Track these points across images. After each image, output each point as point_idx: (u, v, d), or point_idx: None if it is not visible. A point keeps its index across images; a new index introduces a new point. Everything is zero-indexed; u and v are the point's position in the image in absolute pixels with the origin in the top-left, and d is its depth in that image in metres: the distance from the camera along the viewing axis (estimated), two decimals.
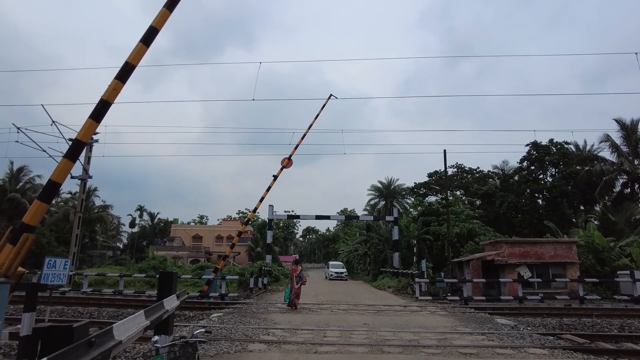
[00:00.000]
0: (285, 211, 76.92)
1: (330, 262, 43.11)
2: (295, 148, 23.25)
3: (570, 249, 21.08)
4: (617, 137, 36.52)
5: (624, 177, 36.19)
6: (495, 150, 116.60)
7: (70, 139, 17.84)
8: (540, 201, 42.76)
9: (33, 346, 2.24)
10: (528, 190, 41.92)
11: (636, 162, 35.47)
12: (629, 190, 36.17)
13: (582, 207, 41.14)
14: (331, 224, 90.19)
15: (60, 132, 22.24)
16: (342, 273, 36.93)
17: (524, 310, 14.51)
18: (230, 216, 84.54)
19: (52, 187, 7.45)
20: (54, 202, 50.18)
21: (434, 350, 7.57)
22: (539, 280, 19.64)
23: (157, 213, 76.71)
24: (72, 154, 7.61)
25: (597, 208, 38.62)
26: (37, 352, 2.19)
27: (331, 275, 36.70)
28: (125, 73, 7.96)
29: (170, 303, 4.53)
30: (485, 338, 8.92)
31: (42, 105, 19.72)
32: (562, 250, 21.01)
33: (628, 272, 19.02)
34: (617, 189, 36.86)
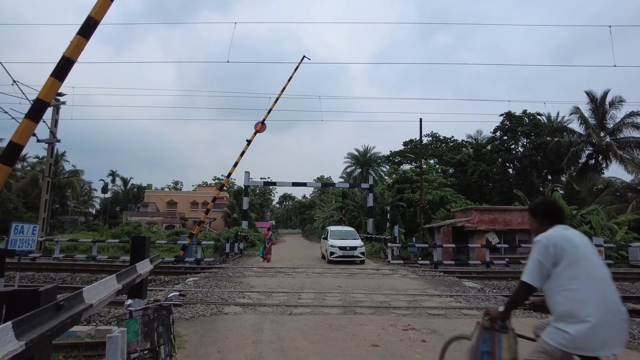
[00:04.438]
0: (261, 178, 76.57)
1: (331, 228, 22.32)
2: (268, 112, 23.12)
3: None
4: (586, 110, 37.62)
5: (590, 148, 37.59)
6: (470, 120, 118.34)
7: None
8: (510, 170, 44.06)
9: None
10: (500, 160, 43.02)
11: (602, 134, 36.78)
12: (593, 161, 37.67)
13: (549, 177, 42.72)
14: (307, 191, 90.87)
15: (23, 93, 20.96)
16: (355, 249, 18.98)
17: (490, 274, 15.23)
18: (206, 182, 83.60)
19: (14, 149, 7.12)
20: (20, 167, 48.20)
21: (404, 311, 7.89)
22: (506, 246, 20.58)
23: (130, 178, 75.15)
24: (34, 114, 7.24)
25: (564, 178, 40.19)
26: (1, 317, 2.14)
27: (332, 253, 18.85)
28: (88, 29, 7.50)
29: (144, 267, 4.50)
30: (453, 300, 9.35)
31: (0, 63, 18.44)
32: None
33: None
34: (583, 160, 38.34)
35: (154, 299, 3.89)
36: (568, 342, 2.40)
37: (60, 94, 22.62)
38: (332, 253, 18.98)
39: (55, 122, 22.88)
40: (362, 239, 21.49)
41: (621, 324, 2.42)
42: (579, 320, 2.38)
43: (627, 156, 33.67)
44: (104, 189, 70.80)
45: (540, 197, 3.60)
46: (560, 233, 2.64)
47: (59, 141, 23.25)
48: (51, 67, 8.38)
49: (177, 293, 4.06)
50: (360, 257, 19.02)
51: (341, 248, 18.95)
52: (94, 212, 68.47)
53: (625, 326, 2.45)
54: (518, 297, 2.72)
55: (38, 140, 21.60)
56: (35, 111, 7.20)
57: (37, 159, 51.21)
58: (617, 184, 35.07)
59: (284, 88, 23.55)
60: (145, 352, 3.32)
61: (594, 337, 2.35)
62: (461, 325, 6.75)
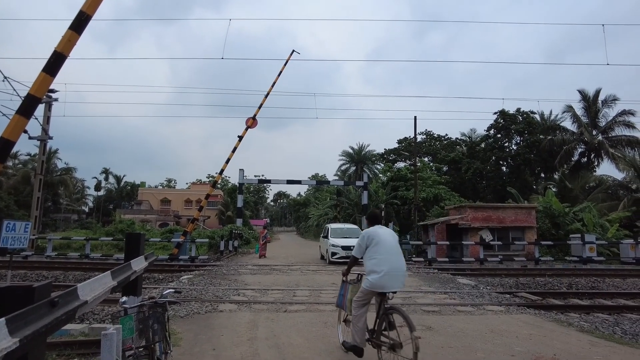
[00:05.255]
0: (255, 176, 76.39)
1: (331, 226, 19.95)
2: (259, 107, 23.17)
3: (530, 214, 22.19)
4: (578, 108, 37.95)
5: (583, 146, 37.92)
6: (464, 118, 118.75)
7: None
8: (504, 168, 44.36)
9: None
10: (493, 158, 43.29)
11: (594, 133, 37.11)
12: (585, 159, 38.02)
13: (542, 175, 43.06)
14: (302, 189, 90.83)
15: (14, 89, 20.80)
16: None
17: (484, 271, 15.32)
18: (200, 180, 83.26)
19: (5, 145, 7.03)
20: (11, 164, 47.62)
21: None
22: (500, 243, 20.70)
23: (124, 176, 74.50)
24: (25, 110, 7.14)
25: (556, 176, 40.52)
26: None
27: (334, 254, 17.07)
28: (80, 23, 7.41)
29: (138, 264, 4.47)
30: (448, 297, 9.40)
31: None
32: (522, 215, 22.09)
33: (579, 235, 20.34)
34: (576, 157, 38.67)
35: (149, 296, 3.86)
36: (370, 284, 4.34)
37: (52, 91, 22.36)
38: (333, 253, 17.02)
39: (47, 119, 22.62)
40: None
41: (399, 276, 4.35)
42: (376, 273, 4.28)
43: (619, 154, 34.01)
44: (97, 187, 70.21)
45: (371, 209, 6.47)
46: (374, 229, 4.67)
47: (51, 138, 22.99)
48: (43, 63, 8.29)
49: (173, 290, 4.03)
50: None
51: (344, 248, 16.72)
52: (87, 210, 67.89)
53: (401, 278, 4.37)
54: (350, 264, 4.94)
55: (30, 137, 21.37)
56: (27, 107, 7.09)
57: (28, 156, 50.65)
58: (608, 182, 35.41)
59: (274, 83, 23.67)
60: (141, 349, 3.29)
61: (382, 281, 4.26)
62: (455, 322, 6.78)
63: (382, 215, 31.10)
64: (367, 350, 4.49)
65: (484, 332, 6.16)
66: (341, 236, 18.26)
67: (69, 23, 8.37)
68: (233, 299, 8.66)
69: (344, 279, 5.07)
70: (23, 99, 7.67)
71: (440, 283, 11.62)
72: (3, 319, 1.73)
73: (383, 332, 4.26)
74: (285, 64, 23.99)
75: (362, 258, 4.60)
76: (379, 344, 4.29)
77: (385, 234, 4.58)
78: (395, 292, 4.36)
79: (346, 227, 20.22)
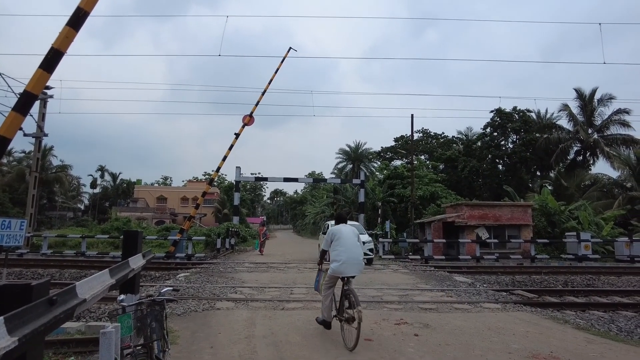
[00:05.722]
0: (252, 173, 76.18)
1: (331, 223, 10.35)
2: (256, 105, 23.01)
3: (526, 212, 22.29)
4: (574, 107, 38.06)
5: (578, 145, 38.09)
6: (461, 116, 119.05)
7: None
8: (500, 166, 44.44)
9: None
10: (490, 156, 43.35)
11: (590, 131, 37.27)
12: (581, 157, 38.20)
13: (538, 173, 43.20)
14: (299, 187, 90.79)
15: (8, 85, 20.75)
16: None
17: (480, 269, 15.38)
18: (196, 177, 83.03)
19: (1, 142, 6.96)
20: (6, 161, 47.28)
21: (396, 305, 7.94)
22: (496, 241, 20.77)
23: (119, 173, 74.10)
24: (21, 107, 7.08)
25: (552, 174, 40.67)
26: None
27: None
28: (77, 20, 7.35)
29: (136, 262, 4.45)
30: (444, 294, 9.43)
31: None
32: (518, 213, 22.18)
33: (574, 233, 20.46)
34: (571, 156, 38.83)
35: (147, 294, 3.85)
36: (332, 271, 5.42)
37: (48, 87, 22.18)
38: None
39: (42, 115, 22.45)
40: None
41: (356, 264, 5.37)
42: (337, 262, 5.35)
43: (614, 153, 34.17)
44: (93, 184, 69.82)
45: (337, 211, 7.03)
46: (337, 227, 5.69)
47: (46, 135, 22.82)
48: (37, 59, 8.21)
49: (171, 288, 4.01)
50: (368, 255, 15.20)
51: None
52: (82, 207, 67.51)
53: (358, 266, 5.40)
54: (321, 255, 5.98)
55: (25, 134, 21.16)
56: (23, 104, 7.02)
57: (23, 154, 50.29)
58: (604, 180, 35.59)
59: (271, 80, 23.54)
60: (139, 347, 3.28)
61: (341, 268, 5.32)
62: (453, 319, 6.81)
63: (380, 212, 31.36)
64: (335, 324, 5.62)
65: (481, 329, 6.19)
66: None
67: (64, 19, 8.32)
68: (230, 296, 8.65)
69: (319, 267, 6.06)
70: (19, 95, 7.60)
71: (437, 281, 11.66)
72: (1, 317, 1.71)
73: (346, 309, 5.23)
74: (282, 61, 23.88)
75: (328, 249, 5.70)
76: (341, 319, 5.32)
77: (347, 231, 5.60)
78: (353, 277, 5.40)
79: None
